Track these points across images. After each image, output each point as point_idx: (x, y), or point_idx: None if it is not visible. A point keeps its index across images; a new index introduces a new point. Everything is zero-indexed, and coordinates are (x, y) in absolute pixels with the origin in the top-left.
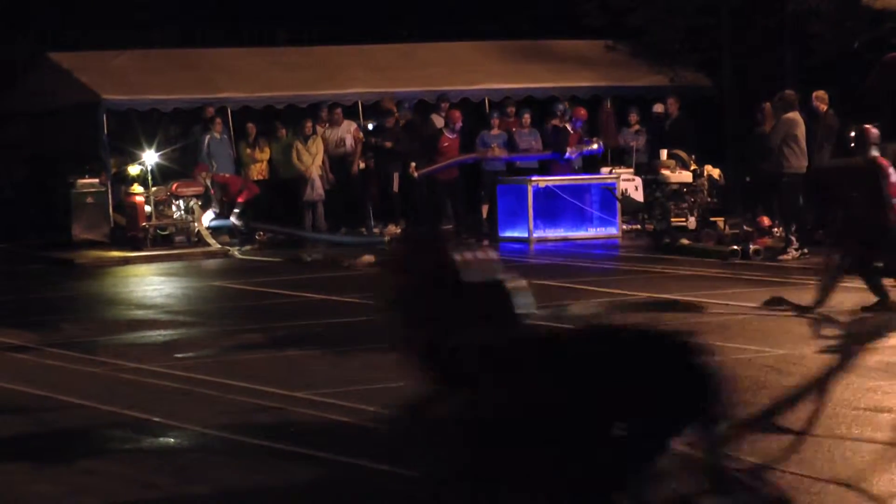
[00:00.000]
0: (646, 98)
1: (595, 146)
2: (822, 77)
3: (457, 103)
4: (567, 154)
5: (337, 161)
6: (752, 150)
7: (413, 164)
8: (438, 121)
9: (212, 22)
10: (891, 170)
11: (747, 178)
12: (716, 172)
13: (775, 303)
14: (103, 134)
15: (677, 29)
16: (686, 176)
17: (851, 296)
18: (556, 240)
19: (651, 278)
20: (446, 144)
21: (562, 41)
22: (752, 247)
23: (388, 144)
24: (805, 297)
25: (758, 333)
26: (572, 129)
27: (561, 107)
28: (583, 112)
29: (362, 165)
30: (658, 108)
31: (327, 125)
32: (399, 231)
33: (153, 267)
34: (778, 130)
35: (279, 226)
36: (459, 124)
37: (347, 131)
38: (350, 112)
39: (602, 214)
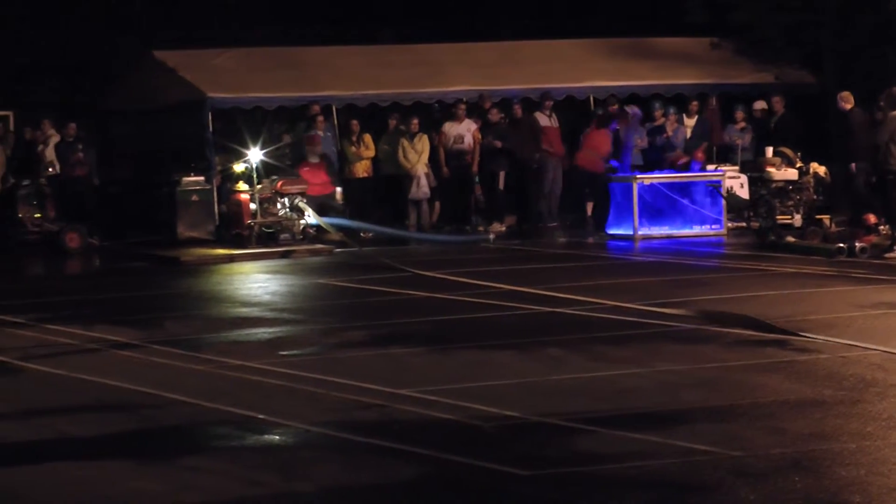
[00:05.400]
0: (751, 95)
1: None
2: None
3: (561, 101)
4: (619, 160)
5: (453, 156)
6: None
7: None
8: (542, 118)
9: (315, 21)
10: None
11: (873, 179)
12: (822, 170)
13: None
14: (208, 132)
15: (781, 26)
16: (792, 173)
17: None
18: (660, 237)
19: (757, 276)
20: (551, 136)
21: (666, 38)
22: (857, 244)
23: (499, 144)
24: None
25: (864, 331)
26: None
27: (658, 104)
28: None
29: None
30: (759, 105)
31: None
32: (504, 229)
33: (258, 264)
34: (886, 127)
35: (382, 225)
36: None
37: (468, 129)
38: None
39: (707, 212)
